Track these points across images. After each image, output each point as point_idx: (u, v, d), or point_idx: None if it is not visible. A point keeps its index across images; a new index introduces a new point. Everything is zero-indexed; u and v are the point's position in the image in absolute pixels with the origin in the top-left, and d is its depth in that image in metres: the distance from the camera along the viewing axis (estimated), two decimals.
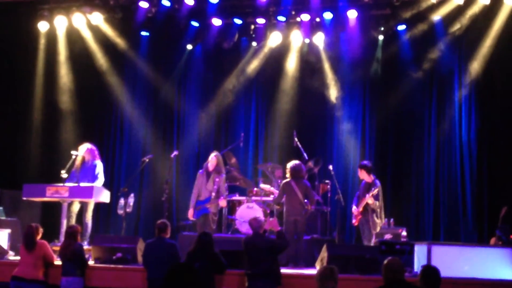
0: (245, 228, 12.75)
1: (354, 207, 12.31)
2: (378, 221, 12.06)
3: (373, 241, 11.80)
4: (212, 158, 12.80)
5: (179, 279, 4.59)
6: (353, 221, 12.37)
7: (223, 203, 12.81)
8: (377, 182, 12.18)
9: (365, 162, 12.67)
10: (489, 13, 13.80)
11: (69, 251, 10.07)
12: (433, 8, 14.07)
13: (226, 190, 13.36)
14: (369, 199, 11.89)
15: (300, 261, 11.69)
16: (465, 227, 13.76)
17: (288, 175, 12.25)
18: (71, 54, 15.99)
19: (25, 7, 15.55)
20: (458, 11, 13.97)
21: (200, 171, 12.95)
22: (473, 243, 12.81)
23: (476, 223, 13.69)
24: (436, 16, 14.25)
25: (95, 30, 15.78)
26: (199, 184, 12.79)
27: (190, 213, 12.69)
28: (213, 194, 12.55)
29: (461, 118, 14.24)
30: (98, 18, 15.37)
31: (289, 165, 12.28)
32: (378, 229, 12.01)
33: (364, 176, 12.31)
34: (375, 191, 11.91)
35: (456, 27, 14.08)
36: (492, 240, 11.92)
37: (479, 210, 13.75)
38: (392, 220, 12.46)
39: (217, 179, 12.63)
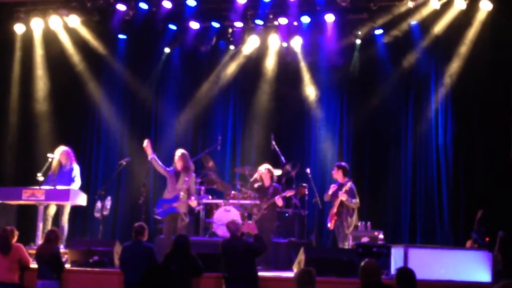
0: (222, 232, 12.72)
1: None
2: (351, 221, 12.15)
3: (349, 243, 11.86)
4: (177, 158, 12.47)
5: (155, 280, 4.57)
6: (329, 224, 12.46)
7: (193, 203, 12.36)
8: (350, 182, 12.37)
9: (344, 163, 12.82)
10: (466, 18, 13.89)
11: (47, 254, 10.02)
12: (410, 12, 14.13)
13: (204, 192, 13.40)
14: (342, 196, 12.05)
15: (271, 263, 11.85)
16: (442, 230, 13.83)
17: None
18: (47, 57, 15.88)
19: (1, 9, 15.46)
20: (435, 16, 14.05)
21: (171, 170, 12.60)
22: (450, 246, 12.89)
23: (452, 226, 13.75)
24: (413, 21, 14.33)
25: (72, 33, 15.69)
26: (168, 180, 12.54)
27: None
28: (181, 193, 12.20)
29: (438, 121, 14.32)
30: (75, 21, 15.23)
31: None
32: (351, 229, 12.10)
33: (339, 176, 12.47)
34: (347, 186, 12.09)
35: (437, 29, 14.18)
36: (468, 243, 12.01)
37: (455, 213, 13.82)
38: (369, 223, 12.50)
39: (186, 179, 12.28)
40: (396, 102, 14.93)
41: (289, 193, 12.77)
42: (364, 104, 14.98)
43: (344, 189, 12.15)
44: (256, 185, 12.97)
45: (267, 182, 12.80)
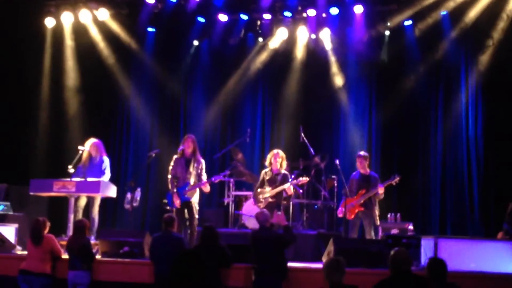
0: (251, 223, 12.70)
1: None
2: (377, 213, 12.14)
3: (380, 234, 11.82)
4: (189, 143, 11.97)
5: (185, 266, 4.58)
6: (346, 214, 12.18)
7: (206, 188, 11.93)
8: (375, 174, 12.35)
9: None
10: (496, 7, 13.76)
11: (77, 245, 10.09)
12: (440, 2, 14.06)
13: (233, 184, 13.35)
14: (381, 189, 11.95)
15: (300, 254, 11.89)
16: (472, 222, 13.73)
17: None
18: (77, 50, 16.05)
19: (31, 3, 15.58)
20: (465, 5, 13.95)
21: (176, 156, 12.10)
22: (480, 237, 12.79)
23: (483, 218, 13.65)
24: (443, 11, 14.23)
25: (102, 26, 15.81)
26: (175, 169, 11.94)
27: (177, 202, 11.75)
28: (192, 179, 11.83)
29: (468, 112, 14.21)
30: (104, 14, 15.39)
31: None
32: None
33: (364, 166, 12.36)
34: (397, 179, 12.06)
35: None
36: (500, 234, 11.88)
37: (486, 205, 13.72)
38: (398, 215, 12.44)
39: (196, 165, 11.91)
40: (426, 93, 14.85)
41: (302, 181, 12.43)
42: (393, 95, 14.91)
43: (387, 184, 12.05)
44: (264, 171, 12.52)
45: (275, 168, 12.34)
